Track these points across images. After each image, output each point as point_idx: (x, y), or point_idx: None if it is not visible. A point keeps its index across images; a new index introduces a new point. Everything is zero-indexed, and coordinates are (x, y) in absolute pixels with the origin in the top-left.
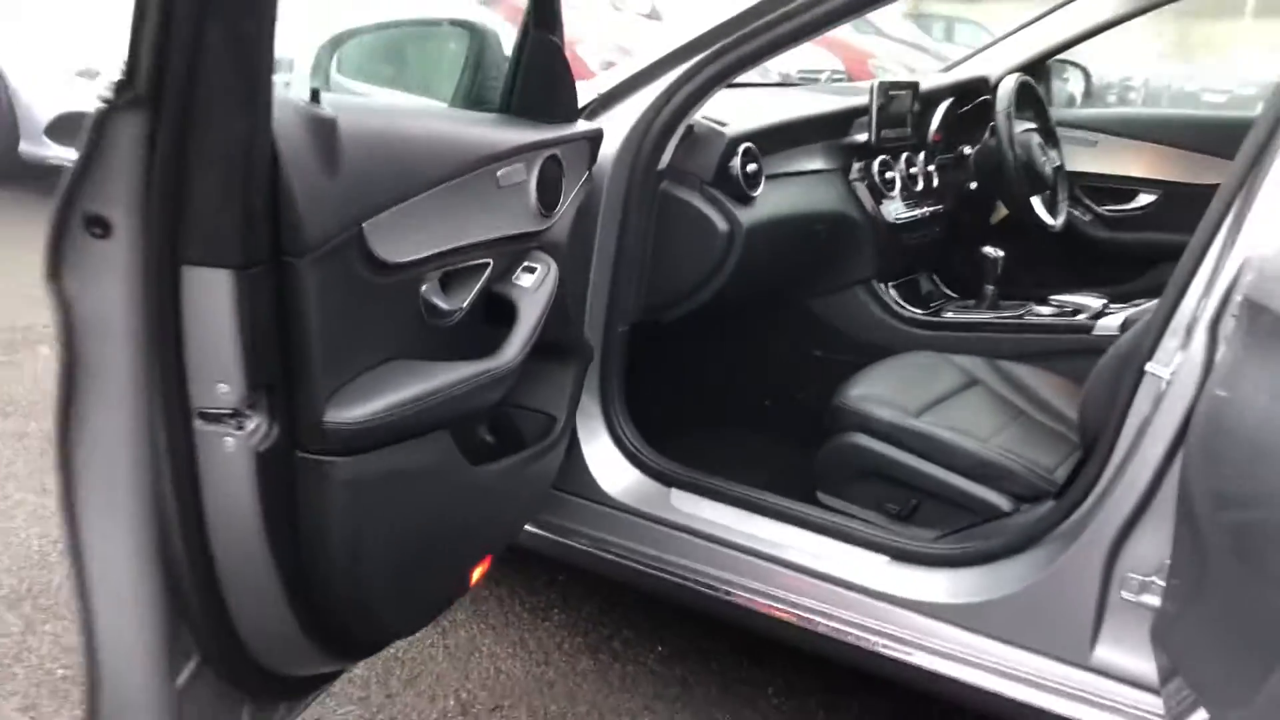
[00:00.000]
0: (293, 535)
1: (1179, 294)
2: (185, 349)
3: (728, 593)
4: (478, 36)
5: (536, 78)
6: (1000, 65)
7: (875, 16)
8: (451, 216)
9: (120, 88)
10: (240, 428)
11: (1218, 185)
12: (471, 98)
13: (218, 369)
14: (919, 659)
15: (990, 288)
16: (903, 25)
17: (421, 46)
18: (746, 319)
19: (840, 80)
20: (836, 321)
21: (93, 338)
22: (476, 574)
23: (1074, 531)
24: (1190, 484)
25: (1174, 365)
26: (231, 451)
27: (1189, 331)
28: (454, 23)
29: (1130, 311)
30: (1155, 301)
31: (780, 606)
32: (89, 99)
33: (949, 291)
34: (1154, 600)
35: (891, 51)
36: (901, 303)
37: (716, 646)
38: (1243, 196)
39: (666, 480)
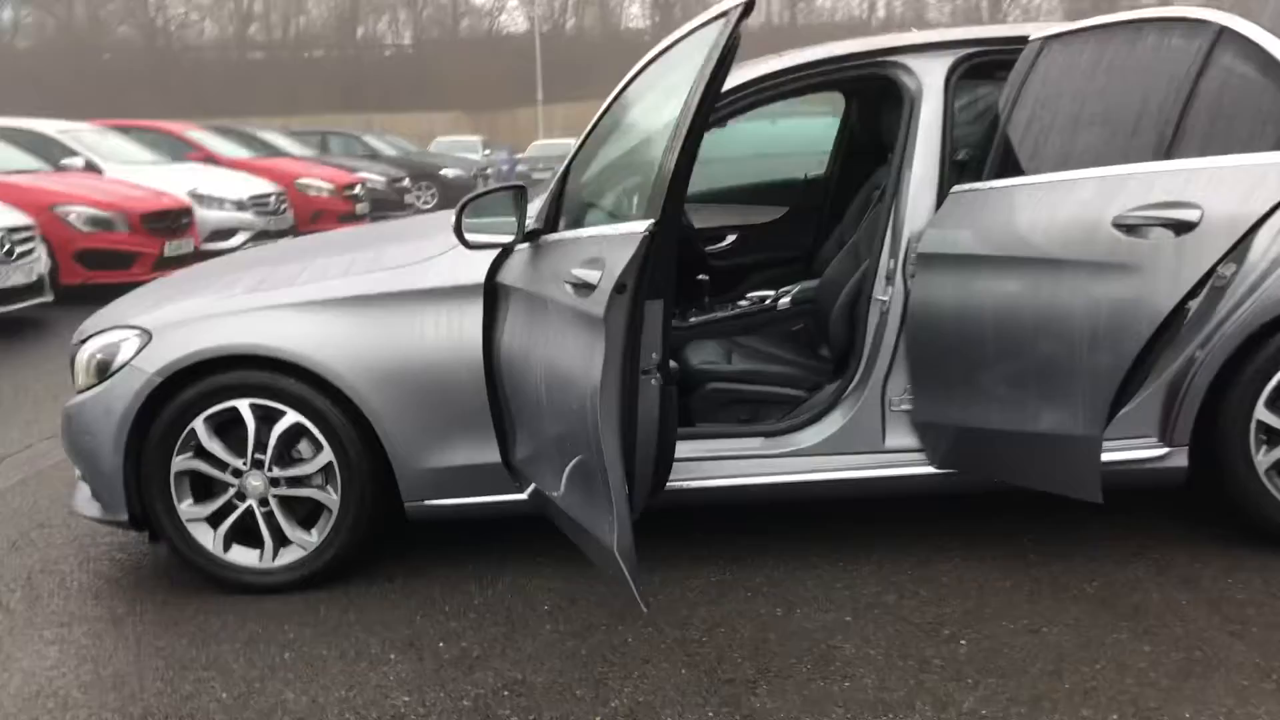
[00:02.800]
0: (661, 422)
1: (877, 258)
2: (640, 339)
3: (681, 488)
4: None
5: None
6: None
7: (277, 140)
8: None
9: (653, 227)
10: (654, 376)
11: (768, 222)
12: None
13: (652, 347)
14: (805, 478)
15: (707, 299)
16: (291, 144)
17: None
18: None
19: (284, 200)
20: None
21: (611, 341)
22: None
23: (859, 389)
24: (912, 347)
25: (889, 295)
26: (653, 387)
27: (889, 277)
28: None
29: (793, 294)
30: (804, 284)
31: (717, 484)
32: None
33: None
34: (907, 406)
35: (300, 169)
36: None
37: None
38: (896, 203)
39: None
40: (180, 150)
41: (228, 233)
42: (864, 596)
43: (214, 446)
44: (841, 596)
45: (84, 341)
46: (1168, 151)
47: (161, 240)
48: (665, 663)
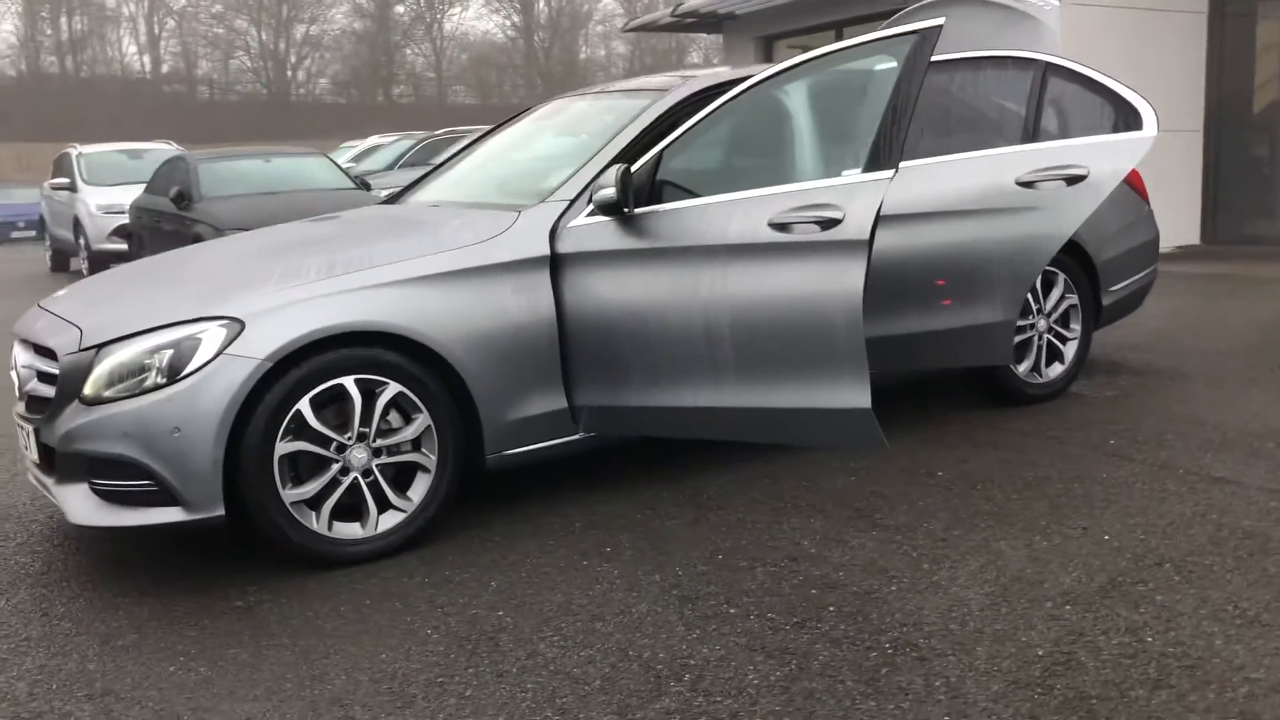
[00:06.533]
0: None
1: None
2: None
3: None
4: None
5: None
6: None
7: None
8: None
9: (893, 174)
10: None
11: None
12: None
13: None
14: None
15: None
16: None
17: None
18: None
19: None
20: None
21: (868, 256)
22: None
23: None
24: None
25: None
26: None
27: None
28: None
29: None
30: None
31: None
32: None
33: None
34: None
35: None
36: None
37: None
38: None
39: None
40: None
41: None
42: (896, 472)
43: (319, 426)
44: (878, 476)
45: (99, 348)
46: (1031, 139)
47: None
48: (833, 507)
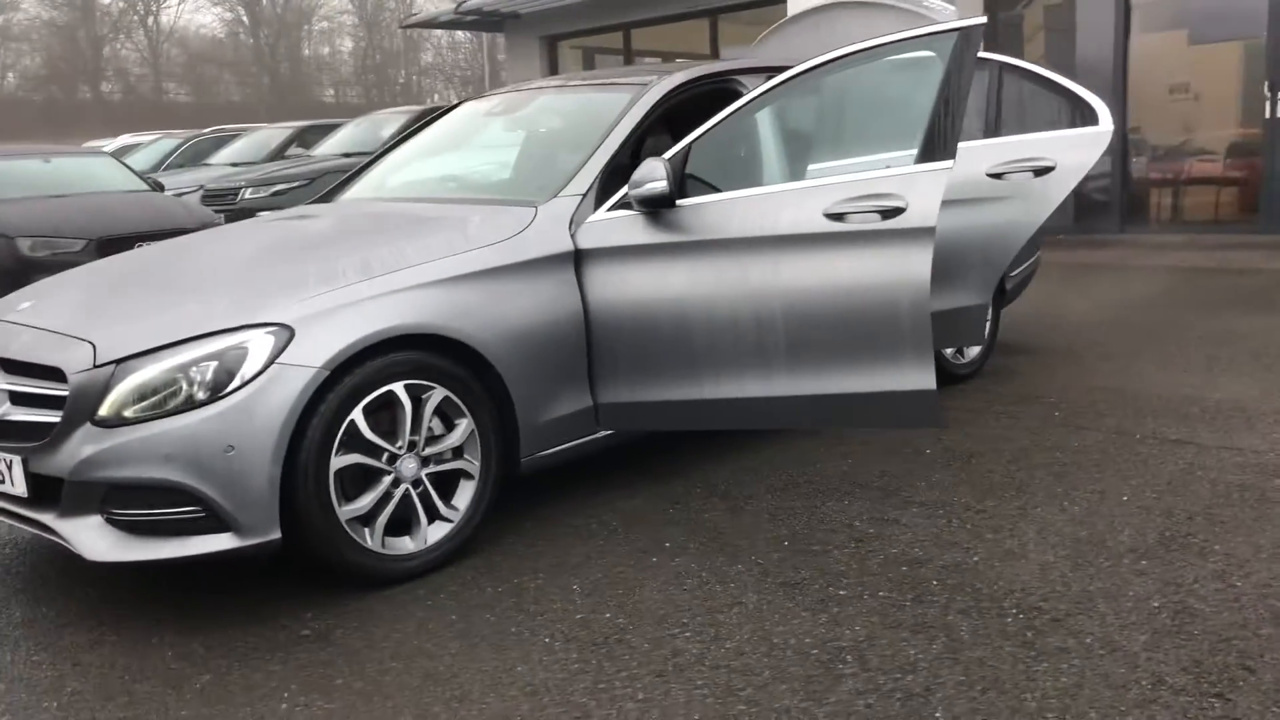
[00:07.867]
0: None
1: None
2: None
3: None
4: None
5: None
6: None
7: None
8: None
9: (952, 164)
10: None
11: None
12: None
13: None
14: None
15: None
16: None
17: None
18: None
19: None
20: None
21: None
22: None
23: None
24: None
25: None
26: None
27: None
28: None
29: None
30: None
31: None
32: None
33: None
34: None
35: None
36: None
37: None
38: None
39: None
40: None
41: None
42: (882, 452)
43: (372, 436)
44: (871, 457)
45: (118, 364)
46: (994, 133)
47: None
48: (856, 489)
